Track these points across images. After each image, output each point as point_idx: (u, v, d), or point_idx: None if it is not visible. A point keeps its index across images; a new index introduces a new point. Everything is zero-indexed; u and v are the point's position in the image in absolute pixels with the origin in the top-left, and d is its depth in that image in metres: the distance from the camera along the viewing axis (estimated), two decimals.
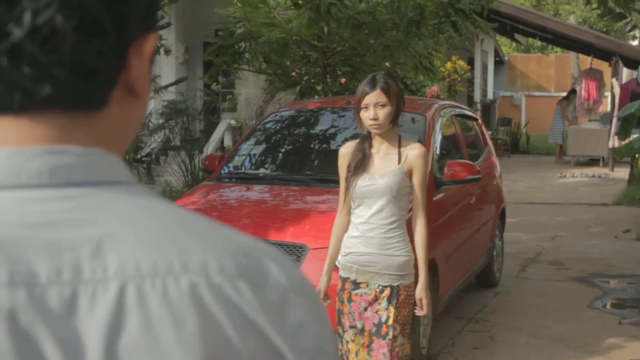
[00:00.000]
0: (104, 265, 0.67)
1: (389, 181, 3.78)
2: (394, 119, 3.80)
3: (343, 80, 9.35)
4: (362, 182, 3.81)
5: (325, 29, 8.61)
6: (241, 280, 0.70)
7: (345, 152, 3.93)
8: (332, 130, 6.31)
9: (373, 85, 3.79)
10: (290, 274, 0.74)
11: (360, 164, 3.82)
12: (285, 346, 0.71)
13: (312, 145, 6.30)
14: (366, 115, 3.77)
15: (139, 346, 0.66)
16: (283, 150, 6.42)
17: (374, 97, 3.75)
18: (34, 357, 0.64)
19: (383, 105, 3.75)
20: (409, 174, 3.80)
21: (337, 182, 5.77)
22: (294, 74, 9.53)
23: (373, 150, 3.83)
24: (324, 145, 6.26)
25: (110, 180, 0.73)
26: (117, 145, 0.76)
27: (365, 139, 3.86)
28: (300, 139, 6.42)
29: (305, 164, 6.12)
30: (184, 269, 0.69)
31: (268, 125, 6.58)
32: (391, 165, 3.80)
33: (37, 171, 0.70)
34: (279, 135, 6.50)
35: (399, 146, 3.84)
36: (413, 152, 3.81)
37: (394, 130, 3.86)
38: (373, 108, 3.74)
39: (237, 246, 0.73)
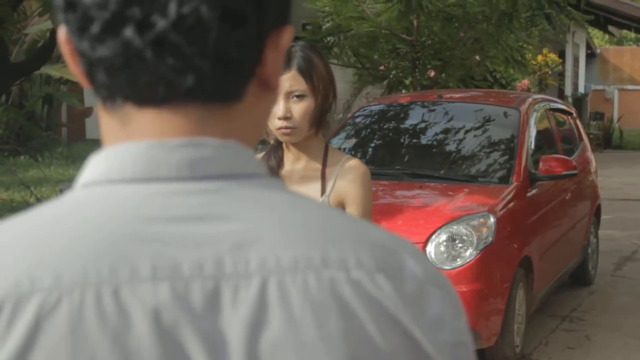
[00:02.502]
0: (246, 260, 0.66)
1: None
2: (318, 119, 2.37)
3: (432, 73, 9.27)
4: None
5: (415, 22, 8.55)
6: (380, 274, 0.69)
7: None
8: (423, 125, 6.26)
9: (287, 63, 2.32)
10: (426, 267, 0.73)
11: None
12: (426, 340, 0.69)
13: (402, 140, 6.26)
14: (272, 113, 2.28)
15: (281, 343, 0.65)
16: (373, 144, 6.40)
17: (286, 83, 2.33)
18: (178, 352, 0.64)
19: (300, 97, 2.34)
20: (342, 207, 2.35)
21: (430, 177, 5.83)
22: (382, 67, 9.49)
23: (285, 170, 2.42)
24: (415, 140, 6.22)
25: (246, 173, 0.72)
26: (250, 138, 0.75)
27: (273, 152, 2.43)
28: (391, 133, 6.39)
29: (396, 158, 6.09)
30: (324, 264, 0.68)
31: (358, 120, 6.56)
32: (312, 194, 2.33)
33: (176, 164, 0.69)
34: (369, 130, 6.48)
35: (324, 164, 2.40)
36: (346, 175, 2.36)
37: (319, 138, 2.43)
38: (284, 100, 2.32)
39: (372, 239, 0.72)
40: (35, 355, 0.62)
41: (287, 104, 2.32)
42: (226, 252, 0.66)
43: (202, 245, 0.66)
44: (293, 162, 2.41)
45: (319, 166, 2.38)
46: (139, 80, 0.69)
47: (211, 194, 0.69)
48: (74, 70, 0.73)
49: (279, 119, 2.31)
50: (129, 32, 0.67)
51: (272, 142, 2.45)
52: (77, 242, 0.65)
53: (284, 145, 2.41)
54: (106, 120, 0.73)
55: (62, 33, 0.72)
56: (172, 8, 0.67)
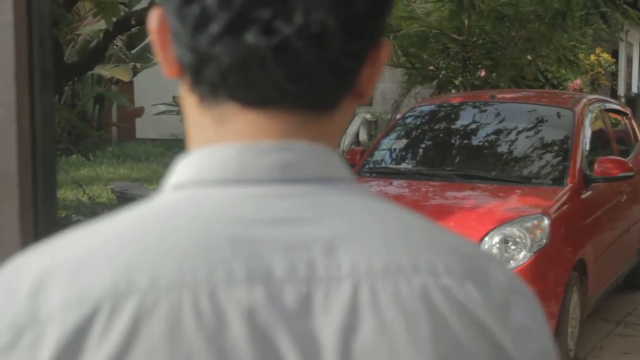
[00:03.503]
0: (337, 264, 0.67)
1: None
2: None
3: (483, 73, 9.19)
4: None
5: (466, 22, 8.49)
6: (468, 281, 0.69)
7: None
8: (475, 125, 6.20)
9: None
10: (508, 274, 0.72)
11: None
12: (513, 349, 0.69)
13: (454, 141, 6.21)
14: None
15: (373, 348, 0.65)
16: (424, 145, 6.36)
17: None
18: (272, 354, 0.64)
19: None
20: None
21: (482, 178, 5.76)
22: (431, 68, 9.45)
23: None
24: (466, 141, 6.16)
25: (335, 177, 0.72)
26: (334, 145, 0.75)
27: None
28: (442, 134, 6.34)
29: (448, 159, 6.04)
30: (414, 270, 0.68)
31: (409, 120, 6.53)
32: None
33: (268, 167, 0.69)
34: (420, 130, 6.44)
35: None
36: None
37: None
38: None
39: (455, 246, 0.72)
40: (135, 355, 0.63)
41: None
42: (318, 256, 0.67)
43: (294, 249, 0.67)
44: None
45: None
46: (252, 83, 0.69)
47: (302, 197, 0.69)
48: (163, 61, 0.73)
49: None
50: (251, 34, 0.67)
51: None
52: (172, 244, 0.66)
53: None
54: (197, 117, 0.73)
55: (156, 20, 0.72)
56: (299, 15, 0.67)
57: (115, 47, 11.27)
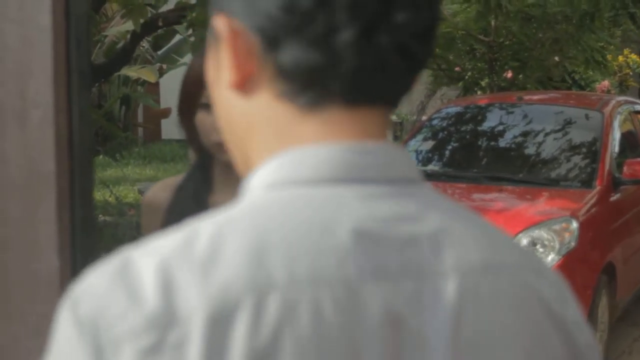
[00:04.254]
0: (443, 260, 0.70)
1: None
2: None
3: (509, 74, 9.15)
4: None
5: (493, 23, 8.45)
6: (543, 278, 0.74)
7: (156, 200, 1.82)
8: (502, 127, 6.17)
9: None
10: (553, 270, 0.78)
11: None
12: (578, 340, 0.75)
13: (481, 143, 6.19)
14: (211, 122, 1.71)
15: (479, 341, 0.69)
16: (451, 147, 6.34)
17: None
18: (395, 348, 0.68)
19: None
20: None
21: (509, 180, 5.74)
22: (457, 69, 9.42)
23: (220, 197, 1.83)
24: (494, 143, 6.13)
25: (417, 179, 0.75)
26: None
27: (201, 173, 1.87)
28: (469, 136, 6.31)
29: (474, 161, 6.01)
30: (500, 266, 0.72)
31: (435, 122, 6.52)
32: None
33: (372, 167, 0.72)
34: (446, 132, 6.42)
35: None
36: None
37: None
38: None
39: (517, 243, 0.78)
40: (283, 349, 0.65)
41: None
42: (425, 252, 0.70)
43: (405, 245, 0.70)
44: (228, 187, 1.77)
45: None
46: (371, 83, 0.72)
47: (401, 197, 0.72)
48: (235, 68, 0.73)
49: None
50: (383, 36, 0.70)
51: (194, 159, 1.86)
52: (298, 240, 0.68)
53: (215, 165, 1.82)
54: (288, 120, 0.73)
55: (228, 27, 0.73)
56: (412, 17, 0.71)
57: (141, 48, 11.33)
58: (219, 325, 0.64)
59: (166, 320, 0.64)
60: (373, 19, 0.70)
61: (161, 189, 1.81)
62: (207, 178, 1.80)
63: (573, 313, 0.75)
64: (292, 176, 0.71)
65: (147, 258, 0.66)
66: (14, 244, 1.21)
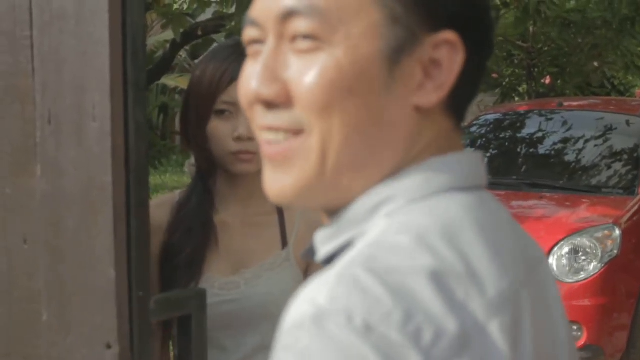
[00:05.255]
0: (537, 250, 0.81)
1: (270, 287, 1.68)
2: None
3: (548, 80, 9.09)
4: (208, 295, 1.44)
5: (531, 29, 8.40)
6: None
7: (154, 219, 1.47)
8: (541, 134, 6.12)
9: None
10: None
11: (201, 249, 1.67)
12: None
13: (520, 149, 6.15)
14: (226, 130, 1.64)
15: (560, 315, 0.80)
16: (490, 154, 6.31)
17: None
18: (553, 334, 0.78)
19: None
20: (306, 265, 1.71)
21: (549, 187, 5.69)
22: (495, 75, 9.37)
23: (225, 215, 1.71)
24: (533, 149, 6.09)
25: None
26: None
27: (203, 188, 1.72)
28: (508, 142, 6.28)
29: (514, 168, 5.98)
30: (544, 260, 0.83)
31: (474, 129, 6.49)
32: (269, 247, 1.71)
33: (484, 174, 0.77)
34: (485, 139, 6.39)
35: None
36: (311, 218, 1.68)
37: None
38: (244, 114, 1.23)
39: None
40: (525, 329, 0.71)
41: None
42: (531, 246, 0.80)
43: (521, 239, 0.78)
44: (235, 203, 1.70)
45: (273, 209, 1.68)
46: (472, 97, 0.79)
47: (498, 200, 0.79)
48: (444, 89, 0.73)
49: (238, 139, 1.61)
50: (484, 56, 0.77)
51: (197, 172, 1.72)
52: (509, 241, 0.74)
53: (219, 179, 1.70)
54: (446, 133, 0.75)
55: (460, 61, 0.72)
56: None
57: (179, 57, 11.44)
58: (511, 328, 0.68)
59: (468, 336, 0.65)
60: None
61: (157, 208, 1.65)
62: (210, 193, 1.69)
63: None
64: (445, 184, 0.72)
65: (415, 277, 0.64)
66: (70, 255, 1.23)
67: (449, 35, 0.70)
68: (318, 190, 0.72)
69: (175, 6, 5.61)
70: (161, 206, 1.70)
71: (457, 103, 0.74)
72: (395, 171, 0.71)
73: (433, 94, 0.71)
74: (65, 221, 1.20)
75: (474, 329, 0.64)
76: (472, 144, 6.33)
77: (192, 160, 1.73)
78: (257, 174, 1.41)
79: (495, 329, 0.66)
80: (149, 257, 1.24)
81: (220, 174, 1.68)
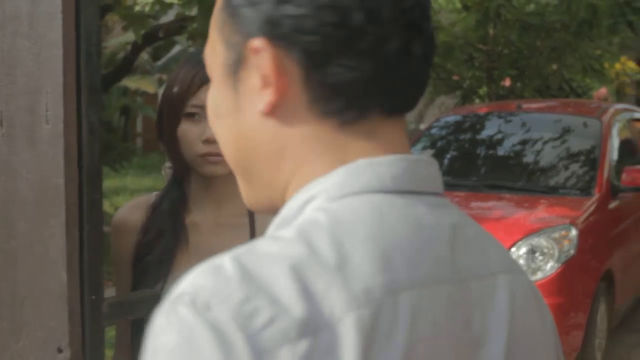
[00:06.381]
0: (490, 262, 0.77)
1: None
2: None
3: (508, 82, 9.18)
4: None
5: (491, 32, 8.48)
6: (527, 276, 0.82)
7: (128, 221, 1.75)
8: (501, 136, 6.19)
9: None
10: None
11: (171, 250, 1.71)
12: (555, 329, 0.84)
13: (480, 151, 6.21)
14: (196, 133, 1.67)
15: (524, 337, 0.77)
16: (450, 155, 6.36)
17: None
18: (473, 344, 0.74)
19: None
20: None
21: (508, 188, 5.75)
22: (456, 77, 9.44)
23: (193, 217, 1.75)
24: (493, 151, 6.15)
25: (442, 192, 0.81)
26: None
27: (177, 191, 1.76)
28: (468, 144, 6.34)
29: (473, 169, 6.04)
30: (517, 268, 0.80)
31: (434, 131, 6.54)
32: None
33: (428, 179, 0.76)
34: (446, 141, 6.44)
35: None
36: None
37: None
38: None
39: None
40: (419, 344, 0.69)
41: None
42: (480, 256, 0.77)
43: (469, 250, 0.76)
44: (206, 205, 1.73)
45: (244, 211, 1.67)
46: (406, 90, 0.76)
47: (448, 207, 0.77)
48: (280, 95, 0.74)
49: (207, 141, 1.64)
50: (417, 45, 0.75)
51: (170, 174, 1.76)
52: (412, 244, 0.72)
53: (193, 181, 1.73)
54: (334, 137, 0.75)
55: (273, 60, 0.74)
56: (425, 23, 0.76)
57: (141, 58, 11.36)
58: (368, 326, 0.66)
59: (313, 325, 0.64)
60: (414, 30, 0.75)
61: (133, 209, 1.75)
62: (183, 195, 1.73)
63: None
64: (364, 187, 0.73)
65: (276, 264, 0.66)
66: (22, 258, 1.23)
67: (256, 42, 0.74)
68: (259, 198, 0.80)
69: (137, 8, 5.57)
70: (137, 207, 1.75)
71: (337, 108, 0.74)
72: (326, 171, 0.75)
73: (266, 98, 0.75)
74: (18, 224, 1.20)
75: (326, 319, 0.65)
76: (432, 146, 6.38)
77: (168, 162, 1.76)
78: (230, 177, 1.46)
79: (349, 323, 0.65)
80: (102, 260, 1.24)
81: (194, 176, 1.71)
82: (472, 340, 0.73)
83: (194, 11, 6.14)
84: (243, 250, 0.69)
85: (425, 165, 0.76)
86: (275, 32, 0.74)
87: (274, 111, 0.75)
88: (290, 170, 0.76)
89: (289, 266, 0.66)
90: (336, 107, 0.74)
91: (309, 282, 0.66)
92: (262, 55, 0.74)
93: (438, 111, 10.35)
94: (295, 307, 0.64)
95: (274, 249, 0.68)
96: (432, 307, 0.71)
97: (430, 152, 6.35)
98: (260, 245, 0.69)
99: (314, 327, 0.64)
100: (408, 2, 0.74)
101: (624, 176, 5.49)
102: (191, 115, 1.66)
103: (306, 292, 0.65)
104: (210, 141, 1.63)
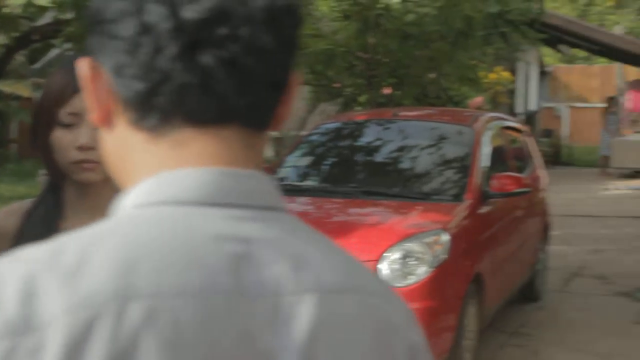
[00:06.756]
0: (300, 280, 0.75)
1: None
2: None
3: (387, 91, 9.37)
4: None
5: (372, 40, 8.64)
6: (392, 304, 0.81)
7: (3, 226, 1.74)
8: (378, 143, 6.32)
9: None
10: (402, 299, 0.86)
11: None
12: (417, 347, 0.82)
13: (357, 158, 6.32)
14: (69, 140, 1.66)
15: (329, 356, 0.74)
16: (328, 162, 6.44)
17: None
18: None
19: None
20: None
21: (384, 194, 5.87)
22: (337, 85, 9.57)
23: (74, 223, 1.69)
24: (370, 158, 6.27)
25: (279, 207, 0.80)
26: (259, 168, 0.82)
27: (52, 197, 1.75)
28: (346, 151, 6.44)
29: (351, 176, 6.13)
30: (353, 289, 0.78)
31: (314, 138, 6.61)
32: None
33: (240, 192, 0.76)
34: (325, 148, 6.52)
35: None
36: None
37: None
38: (87, 125, 1.64)
39: (368, 270, 0.84)
40: (143, 350, 0.68)
41: (92, 130, 1.60)
42: (285, 273, 0.75)
43: (265, 266, 0.74)
44: (81, 211, 1.71)
45: None
46: (207, 100, 0.75)
47: (263, 221, 0.77)
48: (96, 106, 0.79)
49: (80, 148, 1.64)
50: (205, 54, 0.74)
51: (49, 180, 1.75)
52: (168, 255, 0.72)
53: (68, 188, 1.72)
54: (146, 148, 0.78)
55: (88, 68, 0.79)
56: (244, 32, 0.75)
57: (15, 61, 11.00)
58: (79, 332, 0.67)
59: (24, 327, 0.67)
60: (195, 35, 0.74)
61: (8, 215, 1.74)
62: (58, 202, 1.73)
63: (418, 338, 0.83)
64: (160, 198, 0.75)
65: (13, 265, 0.70)
66: None
67: (84, 59, 0.80)
68: None
69: (7, 10, 5.41)
70: (11, 213, 1.75)
71: (137, 118, 0.77)
72: (139, 181, 0.79)
73: (95, 114, 0.80)
74: None
75: (38, 322, 0.67)
76: (312, 152, 6.46)
77: (44, 169, 1.76)
78: (106, 183, 1.60)
79: (60, 327, 0.67)
80: None
81: (70, 183, 1.71)
82: (257, 357, 0.72)
83: (70, 14, 6.02)
84: (12, 253, 0.72)
85: (239, 179, 0.76)
86: (95, 49, 0.79)
87: (104, 123, 0.79)
88: (129, 179, 0.80)
89: (24, 269, 0.69)
90: (139, 117, 0.77)
91: (38, 285, 0.68)
92: (85, 73, 0.79)
93: (320, 118, 10.45)
94: (9, 308, 0.67)
95: (25, 252, 0.72)
96: (191, 317, 0.70)
97: (310, 158, 6.43)
98: (27, 248, 0.73)
99: (24, 329, 0.67)
100: (194, 14, 0.73)
101: (493, 182, 5.69)
102: (65, 123, 1.66)
103: (29, 295, 0.68)
104: (84, 148, 1.63)
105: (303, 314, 0.74)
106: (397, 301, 0.83)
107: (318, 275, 0.76)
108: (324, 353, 0.74)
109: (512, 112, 19.11)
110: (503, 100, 17.14)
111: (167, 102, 0.75)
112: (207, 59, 0.74)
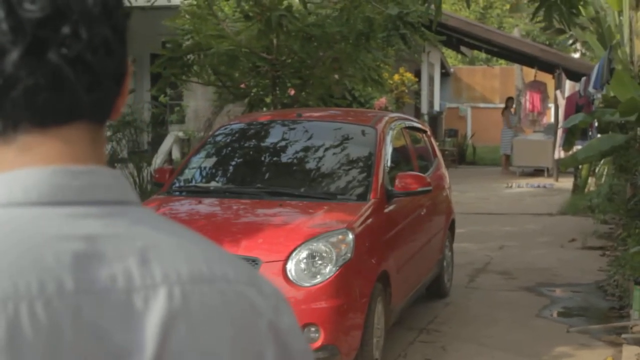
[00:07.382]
0: (152, 274, 0.75)
1: None
2: None
3: (292, 92, 9.37)
4: None
5: (275, 41, 8.62)
6: (252, 288, 0.81)
7: None
8: (283, 143, 6.31)
9: None
10: (272, 285, 0.86)
11: None
12: (293, 346, 0.82)
13: (263, 159, 6.30)
14: None
15: (186, 347, 0.74)
16: (234, 163, 6.40)
17: None
18: (98, 355, 0.71)
19: None
20: None
21: (290, 195, 5.85)
22: (243, 86, 9.52)
23: None
24: (275, 158, 6.26)
25: (132, 201, 0.80)
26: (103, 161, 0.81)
27: None
28: (251, 152, 6.41)
29: (257, 177, 6.11)
30: (212, 278, 0.78)
31: (219, 139, 6.56)
32: None
33: (80, 189, 0.76)
34: (230, 148, 6.48)
35: None
36: None
37: None
38: None
39: (234, 259, 0.83)
40: None
41: None
42: (134, 267, 0.75)
43: (112, 261, 0.74)
44: None
45: None
46: (56, 99, 0.75)
47: (108, 217, 0.76)
48: None
49: None
50: (51, 53, 0.74)
51: None
52: (3, 257, 0.71)
53: None
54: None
55: None
56: (86, 28, 0.75)
57: None
58: None
59: None
60: (37, 35, 0.73)
61: None
62: None
63: (288, 322, 0.82)
64: (4, 199, 0.74)
65: None
66: None
67: None
68: None
69: None
70: None
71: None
72: None
73: None
74: None
75: None
76: (217, 153, 6.40)
77: None
78: None
79: None
80: None
81: None
82: (112, 353, 0.71)
83: None
84: None
85: (77, 175, 0.76)
86: None
87: None
88: None
89: None
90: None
91: None
92: None
93: (227, 119, 10.37)
94: None
95: None
96: (28, 318, 0.69)
97: (215, 159, 6.37)
98: None
99: None
100: (33, 13, 0.73)
101: (397, 182, 5.76)
102: None
103: None
104: None
105: (157, 308, 0.74)
106: (265, 287, 0.82)
107: (172, 267, 0.76)
108: (180, 345, 0.74)
109: (417, 113, 19.43)
110: (408, 101, 17.40)
111: (14, 107, 0.74)
112: (54, 58, 0.73)
